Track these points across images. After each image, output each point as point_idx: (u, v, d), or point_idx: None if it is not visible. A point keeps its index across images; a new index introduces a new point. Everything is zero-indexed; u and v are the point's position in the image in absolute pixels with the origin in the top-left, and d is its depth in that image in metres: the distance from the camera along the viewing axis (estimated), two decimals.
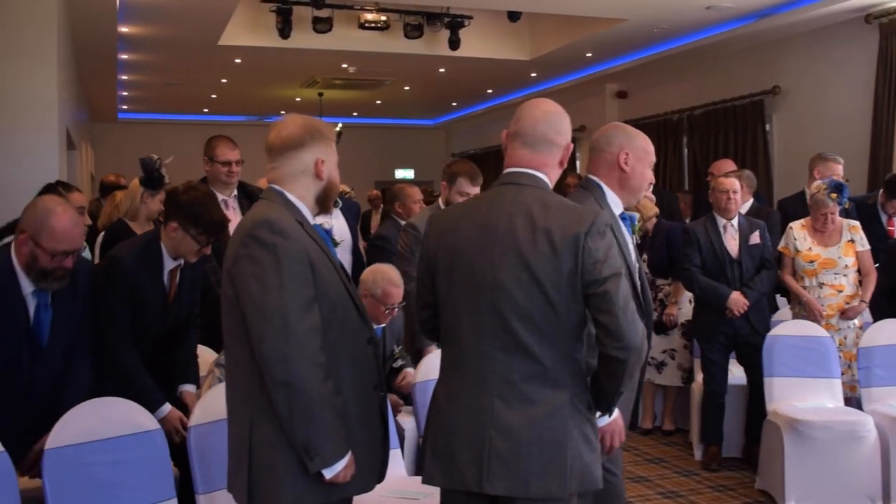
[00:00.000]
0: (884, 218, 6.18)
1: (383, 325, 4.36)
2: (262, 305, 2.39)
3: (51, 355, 3.28)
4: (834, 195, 5.32)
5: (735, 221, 5.59)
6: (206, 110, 16.36)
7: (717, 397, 5.63)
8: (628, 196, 3.05)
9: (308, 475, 2.42)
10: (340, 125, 14.23)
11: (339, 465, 2.43)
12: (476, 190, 4.69)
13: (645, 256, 6.21)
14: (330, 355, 2.45)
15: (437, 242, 2.63)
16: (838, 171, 6.17)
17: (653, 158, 3.09)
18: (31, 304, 3.23)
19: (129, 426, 3.14)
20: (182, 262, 3.62)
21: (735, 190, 5.53)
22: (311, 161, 2.59)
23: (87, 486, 2.98)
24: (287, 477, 2.42)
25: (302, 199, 2.60)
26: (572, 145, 2.68)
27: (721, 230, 5.58)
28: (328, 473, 2.42)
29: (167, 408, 3.51)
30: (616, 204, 3.02)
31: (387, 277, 4.24)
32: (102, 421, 3.10)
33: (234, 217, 4.79)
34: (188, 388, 3.80)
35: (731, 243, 5.56)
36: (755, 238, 5.55)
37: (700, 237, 5.60)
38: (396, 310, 4.31)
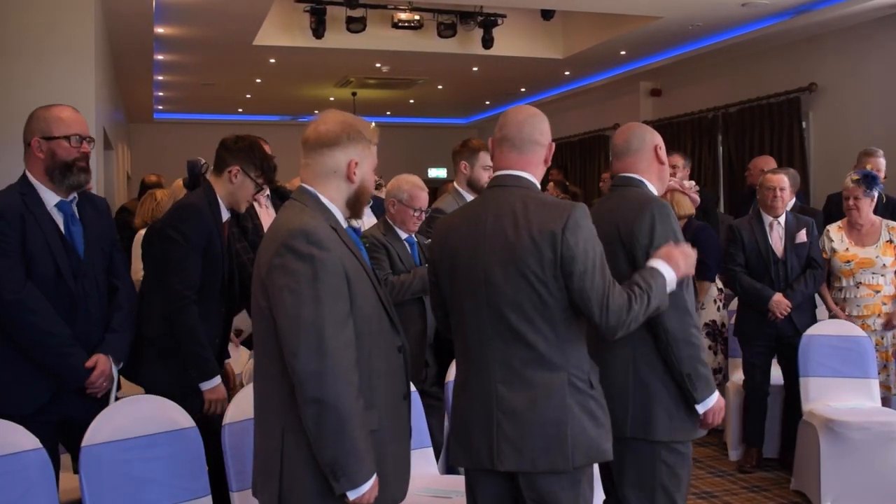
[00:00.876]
0: None
1: (413, 233, 4.43)
2: (296, 319, 2.34)
3: (91, 269, 3.29)
4: (856, 178, 5.27)
5: (782, 219, 5.48)
6: (240, 110, 16.48)
7: (760, 399, 5.56)
8: (661, 187, 3.24)
9: (331, 492, 2.39)
10: (374, 124, 14.23)
11: (365, 487, 2.39)
12: None
13: None
14: (363, 370, 2.43)
15: (439, 245, 2.89)
16: (878, 164, 6.10)
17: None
18: (59, 218, 3.26)
19: (165, 423, 3.17)
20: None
21: (783, 187, 5.43)
22: (345, 162, 2.53)
23: (124, 483, 3.01)
24: (317, 492, 2.41)
25: (333, 201, 2.55)
26: (554, 144, 2.89)
27: (767, 228, 5.48)
28: (353, 495, 2.38)
29: (218, 380, 3.51)
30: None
31: (411, 181, 4.36)
32: (138, 419, 3.13)
33: (267, 215, 4.83)
34: (227, 360, 3.82)
35: (777, 242, 5.46)
36: (802, 236, 5.42)
37: (745, 235, 5.50)
38: (424, 215, 4.39)
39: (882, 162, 6.18)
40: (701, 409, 2.96)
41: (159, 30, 9.31)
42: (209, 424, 3.39)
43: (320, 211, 2.51)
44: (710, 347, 6.25)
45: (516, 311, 2.66)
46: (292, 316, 2.34)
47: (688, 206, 6.25)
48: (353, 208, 2.61)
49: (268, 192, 5.02)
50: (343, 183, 2.55)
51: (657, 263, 2.82)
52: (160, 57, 10.88)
